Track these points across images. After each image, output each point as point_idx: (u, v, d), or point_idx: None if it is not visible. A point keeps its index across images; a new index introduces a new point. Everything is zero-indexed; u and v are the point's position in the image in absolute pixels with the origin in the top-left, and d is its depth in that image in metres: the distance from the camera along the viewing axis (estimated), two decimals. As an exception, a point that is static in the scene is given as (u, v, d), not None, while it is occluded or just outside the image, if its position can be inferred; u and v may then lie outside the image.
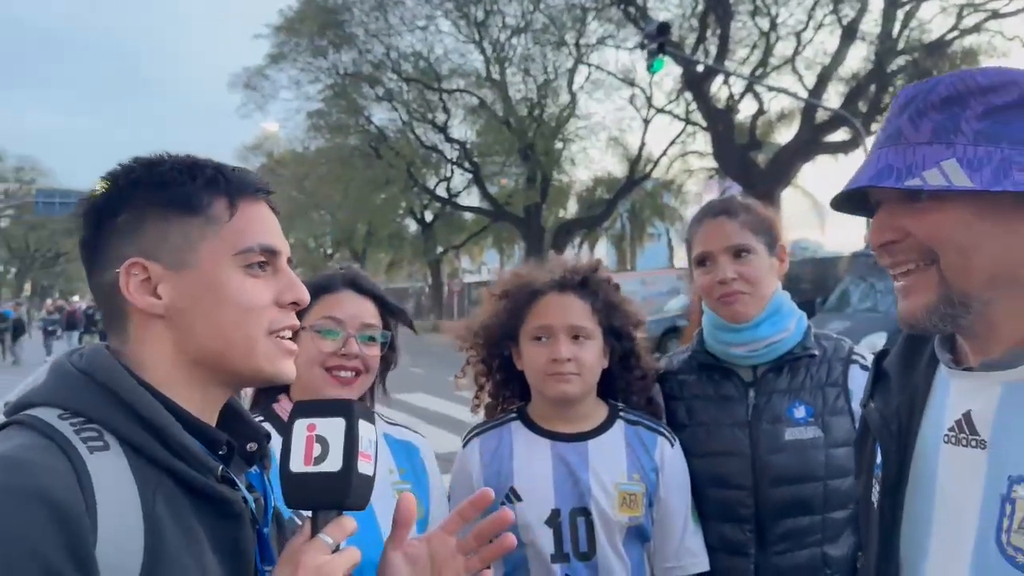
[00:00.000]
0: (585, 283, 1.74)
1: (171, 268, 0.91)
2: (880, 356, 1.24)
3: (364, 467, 0.94)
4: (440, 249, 36.51)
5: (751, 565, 1.69)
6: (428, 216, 34.98)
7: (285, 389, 1.60)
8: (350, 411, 0.94)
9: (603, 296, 1.74)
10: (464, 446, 1.81)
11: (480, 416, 1.86)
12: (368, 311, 1.57)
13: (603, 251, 49.16)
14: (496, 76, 25.42)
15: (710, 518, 1.74)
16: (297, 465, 0.92)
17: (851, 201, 1.09)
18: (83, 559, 0.75)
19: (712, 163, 22.06)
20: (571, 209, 33.55)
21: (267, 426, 1.50)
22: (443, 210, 32.81)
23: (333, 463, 0.92)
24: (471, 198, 30.63)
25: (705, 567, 1.71)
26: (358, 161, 27.43)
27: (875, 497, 1.14)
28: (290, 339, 0.98)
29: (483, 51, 25.36)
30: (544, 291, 1.73)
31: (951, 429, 1.05)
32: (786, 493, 1.68)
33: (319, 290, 1.55)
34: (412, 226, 37.55)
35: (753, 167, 17.49)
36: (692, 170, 28.19)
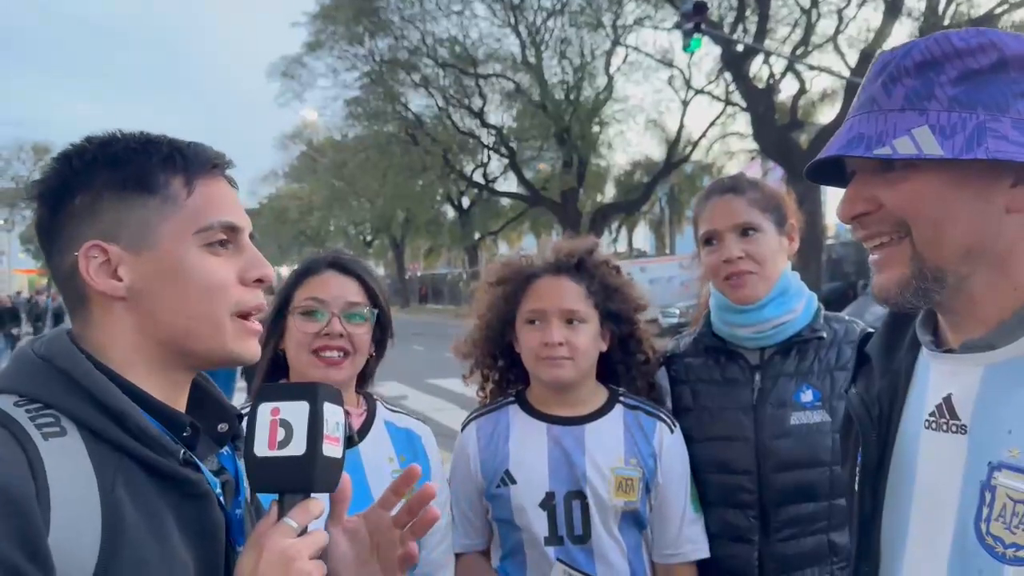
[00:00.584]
0: (580, 265, 1.72)
1: (130, 249, 0.89)
2: (864, 340, 1.20)
3: (330, 450, 0.94)
4: (477, 235, 36.66)
5: (755, 552, 1.66)
6: (465, 202, 35.13)
7: (286, 374, 1.60)
8: (314, 395, 0.94)
9: (599, 278, 1.72)
10: (463, 429, 1.81)
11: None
12: (352, 290, 1.56)
13: (642, 235, 48.87)
14: (532, 60, 25.29)
15: (713, 504, 1.72)
16: (261, 449, 0.92)
17: (830, 172, 1.05)
18: (33, 546, 0.75)
19: (753, 145, 21.70)
20: (608, 193, 33.37)
21: None
22: (480, 196, 32.88)
23: (297, 447, 0.91)
24: (508, 184, 30.66)
25: (705, 554, 1.69)
26: (396, 148, 27.55)
27: (855, 482, 1.10)
28: (256, 320, 0.97)
29: (519, 35, 25.24)
30: (538, 275, 1.72)
31: (932, 414, 1.01)
32: (790, 479, 1.65)
33: (303, 273, 1.56)
34: (450, 212, 37.77)
35: (795, 148, 17.13)
36: (732, 152, 27.82)
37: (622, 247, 47.44)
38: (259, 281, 0.95)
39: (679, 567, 1.70)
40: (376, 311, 1.58)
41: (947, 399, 0.99)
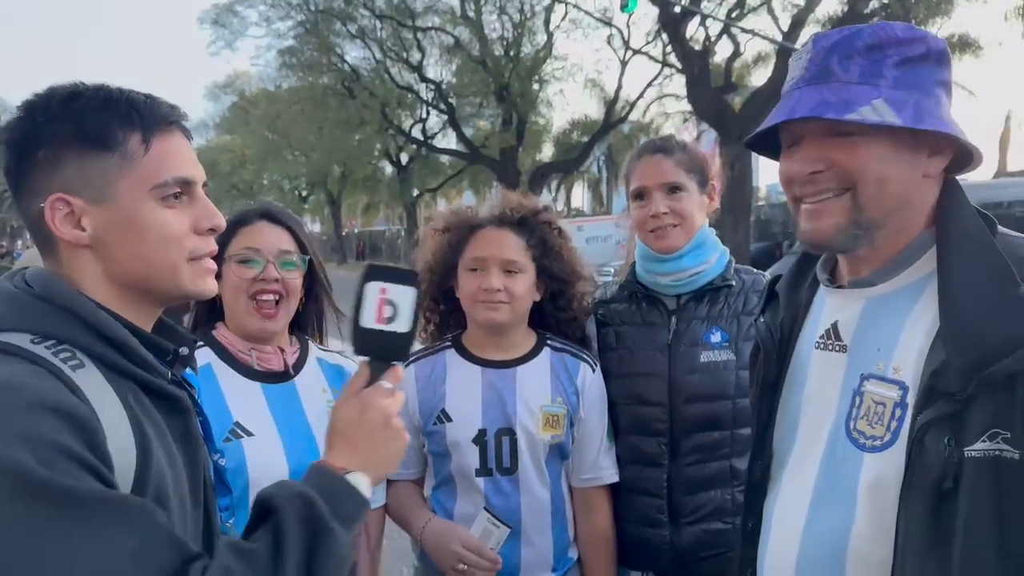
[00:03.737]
0: (523, 222, 1.84)
1: (92, 203, 0.96)
2: (774, 280, 1.39)
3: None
4: (416, 192, 36.19)
5: (664, 475, 1.84)
6: (404, 159, 34.51)
7: (221, 317, 1.70)
8: (418, 282, 1.11)
9: (540, 235, 1.84)
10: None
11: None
12: (284, 239, 1.66)
13: (580, 194, 49.09)
14: (472, 14, 24.86)
15: (627, 433, 1.89)
16: (368, 321, 1.08)
17: (764, 144, 1.21)
18: (103, 455, 0.85)
19: (688, 106, 21.95)
20: (547, 152, 33.24)
21: (208, 350, 1.64)
22: (419, 153, 32.37)
23: (401, 325, 1.08)
24: (447, 140, 30.28)
25: (616, 479, 1.87)
26: (331, 101, 26.84)
27: (755, 398, 1.30)
28: (211, 259, 1.05)
29: (458, -12, 24.81)
30: (482, 225, 1.83)
31: (821, 337, 1.21)
32: (698, 410, 1.82)
33: (237, 224, 1.64)
34: (388, 169, 37.06)
35: (728, 111, 17.44)
36: (669, 113, 28.03)
37: (560, 206, 47.62)
38: (212, 230, 1.03)
39: (594, 490, 1.87)
40: (307, 258, 1.69)
41: (834, 325, 1.20)
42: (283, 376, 1.66)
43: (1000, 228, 1.10)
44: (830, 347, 1.19)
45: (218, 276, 1.63)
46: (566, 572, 1.84)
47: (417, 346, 1.97)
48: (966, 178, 1.15)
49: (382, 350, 1.09)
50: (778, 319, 1.31)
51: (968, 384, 0.96)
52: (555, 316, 1.91)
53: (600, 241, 21.15)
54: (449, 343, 1.90)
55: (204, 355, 1.62)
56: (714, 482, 1.83)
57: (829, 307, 1.22)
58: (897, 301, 1.12)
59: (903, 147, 1.08)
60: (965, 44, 20.07)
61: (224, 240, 1.64)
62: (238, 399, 1.60)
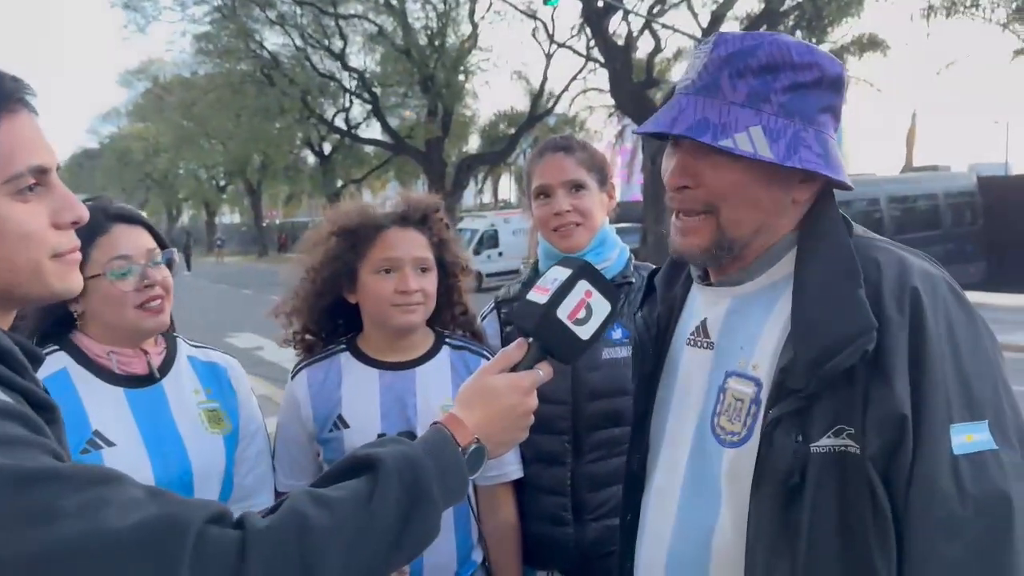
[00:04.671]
0: (425, 220, 1.80)
1: None
2: (652, 274, 1.41)
3: None
4: (340, 183, 35.61)
5: (568, 473, 1.84)
6: (327, 148, 34.02)
7: (72, 321, 1.58)
8: (617, 300, 1.13)
9: (438, 232, 1.81)
10: (293, 377, 1.85)
11: (291, 351, 1.88)
12: (146, 239, 1.58)
13: (506, 186, 49.21)
14: (395, 2, 24.60)
15: (531, 431, 1.88)
16: (562, 313, 1.08)
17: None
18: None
19: (611, 100, 22.21)
20: (473, 144, 33.30)
21: (64, 354, 1.54)
22: (342, 142, 31.91)
23: (586, 333, 1.09)
24: (371, 131, 29.89)
25: (520, 475, 1.85)
26: (250, 88, 26.18)
27: (634, 392, 1.32)
28: (72, 253, 0.94)
29: (381, -25, 24.48)
30: (387, 225, 1.76)
31: (692, 333, 1.23)
32: (600, 406, 1.83)
33: (92, 234, 1.48)
34: (310, 158, 36.48)
35: (649, 105, 17.68)
36: (593, 107, 28.40)
37: (488, 197, 47.67)
38: (74, 223, 0.91)
39: (500, 487, 1.84)
40: (169, 250, 1.62)
41: (703, 322, 1.22)
42: (148, 379, 1.58)
43: (859, 229, 1.13)
44: (699, 344, 1.21)
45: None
46: (471, 574, 1.82)
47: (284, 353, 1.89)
48: (874, 172, 1.17)
49: (555, 344, 1.09)
50: (654, 314, 1.33)
51: (811, 381, 0.99)
52: (450, 311, 1.88)
53: (526, 233, 21.22)
54: (344, 346, 1.83)
55: (59, 360, 1.52)
56: (616, 478, 1.80)
57: (700, 305, 1.24)
58: (759, 300, 1.14)
59: (774, 175, 1.08)
60: (874, 43, 20.87)
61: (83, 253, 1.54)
62: (98, 407, 1.50)
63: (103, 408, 1.51)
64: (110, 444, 1.48)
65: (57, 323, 1.57)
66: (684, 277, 1.32)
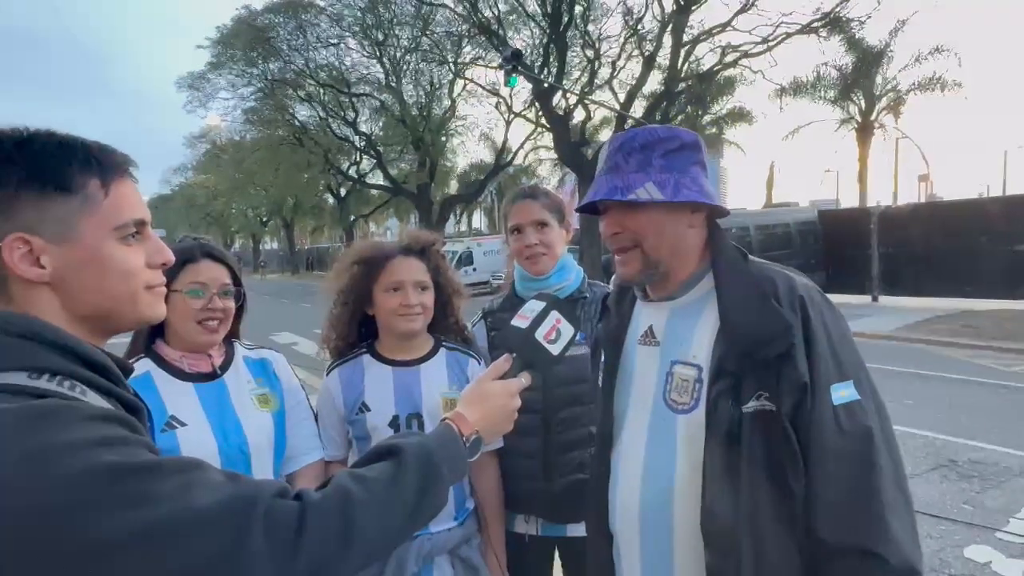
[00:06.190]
0: (424, 251, 1.77)
1: (52, 242, 0.78)
2: (606, 296, 1.43)
3: None
4: (352, 217, 35.35)
5: (540, 442, 1.81)
6: (342, 192, 33.68)
7: (161, 335, 1.55)
8: (578, 326, 1.15)
9: (434, 261, 1.78)
10: (327, 374, 1.80)
11: (326, 355, 1.83)
12: (224, 274, 1.54)
13: (478, 218, 49.13)
14: (394, 84, 24.49)
15: None
16: (540, 336, 1.10)
17: (590, 208, 1.25)
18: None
19: (555, 155, 22.34)
20: (453, 187, 33.18)
21: (148, 360, 1.52)
22: (354, 187, 31.61)
23: (555, 350, 1.11)
24: (376, 178, 29.64)
25: (501, 445, 1.81)
26: (286, 149, 25.83)
27: (600, 381, 1.33)
28: (160, 287, 0.90)
29: (383, 64, 24.32)
30: (393, 255, 1.73)
31: (642, 336, 1.25)
32: (565, 391, 1.80)
33: (184, 260, 1.50)
34: (330, 200, 36.10)
35: (583, 159, 17.82)
36: (542, 160, 28.54)
37: (464, 227, 47.52)
38: (163, 264, 0.89)
39: (487, 454, 1.79)
40: (239, 289, 1.58)
41: (650, 328, 1.24)
42: (212, 376, 1.55)
43: (749, 257, 1.19)
44: (648, 343, 1.24)
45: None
46: (465, 519, 1.77)
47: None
48: (744, 208, 1.21)
49: (534, 358, 1.10)
50: (611, 324, 1.35)
51: (743, 365, 1.05)
52: (444, 323, 1.84)
53: (494, 253, 21.25)
54: (365, 350, 1.79)
55: (144, 364, 1.50)
56: (577, 445, 1.81)
57: (645, 315, 1.27)
58: (690, 310, 1.19)
59: (671, 211, 1.15)
60: (741, 115, 21.30)
61: (172, 272, 1.49)
62: (173, 398, 1.48)
63: (177, 398, 1.49)
64: (183, 424, 1.46)
65: (149, 336, 1.56)
66: (630, 297, 1.34)
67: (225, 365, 1.58)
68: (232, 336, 1.65)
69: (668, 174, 1.13)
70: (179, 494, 0.67)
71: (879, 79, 23.59)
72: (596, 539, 1.34)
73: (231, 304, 1.55)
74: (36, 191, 0.77)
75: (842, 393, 1.03)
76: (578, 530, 1.79)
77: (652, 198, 1.11)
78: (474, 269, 21.72)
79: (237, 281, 1.57)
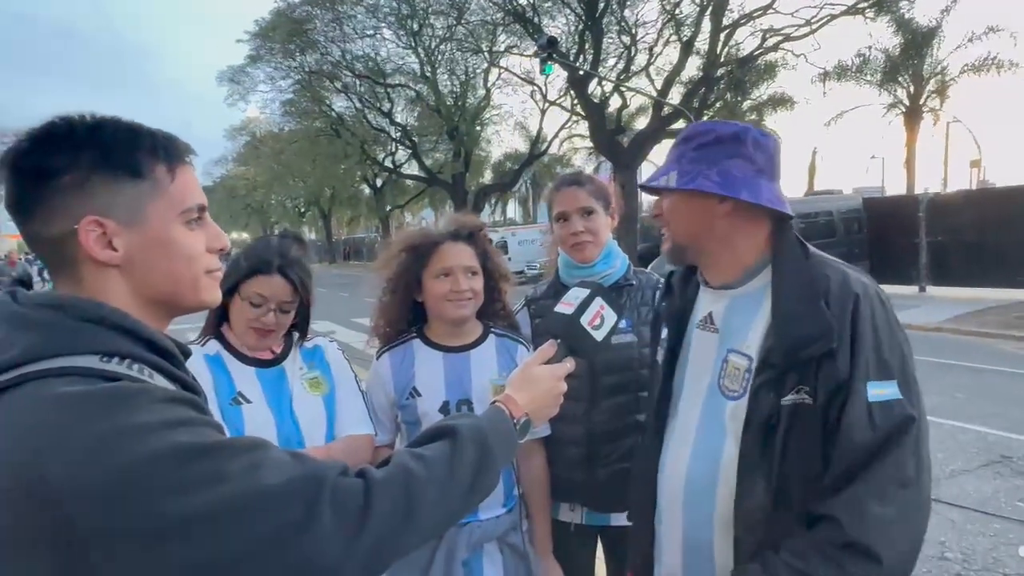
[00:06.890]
0: (471, 236, 1.75)
1: (123, 224, 0.79)
2: (670, 275, 1.45)
3: None
4: (388, 207, 35.70)
5: (584, 430, 1.78)
6: (378, 183, 34.05)
7: (227, 320, 1.63)
8: (621, 312, 1.17)
9: (482, 246, 1.76)
10: (377, 358, 1.80)
11: (374, 340, 1.82)
12: (287, 291, 1.58)
13: (512, 208, 49.10)
14: (429, 75, 24.56)
15: None
16: (584, 322, 1.11)
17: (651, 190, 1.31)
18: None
19: (590, 144, 22.13)
20: (488, 177, 33.21)
21: (216, 342, 1.61)
22: (390, 178, 31.97)
23: (599, 335, 1.13)
24: (411, 168, 29.89)
25: (548, 433, 1.79)
26: (323, 140, 26.31)
27: (660, 357, 1.37)
28: (217, 272, 0.91)
29: (418, 55, 24.41)
30: (442, 241, 1.72)
31: (701, 321, 1.29)
32: (611, 379, 1.78)
33: (257, 269, 1.56)
34: (366, 190, 36.48)
35: (619, 147, 17.62)
36: (577, 149, 28.29)
37: (498, 216, 47.55)
38: (221, 250, 0.90)
39: (533, 442, 1.79)
40: (299, 303, 1.61)
41: (709, 314, 1.27)
42: (272, 363, 1.63)
43: (812, 250, 1.19)
44: (708, 329, 1.27)
45: (229, 301, 1.57)
46: (513, 506, 1.77)
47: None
48: (785, 196, 1.21)
49: (578, 343, 1.11)
50: (675, 305, 1.37)
51: (786, 360, 1.08)
52: (492, 308, 1.81)
53: (529, 243, 21.21)
54: (415, 335, 1.78)
55: (214, 345, 1.60)
56: (621, 434, 1.79)
57: (706, 301, 1.30)
58: (748, 301, 1.21)
59: (688, 199, 1.19)
60: (782, 100, 20.69)
61: (241, 278, 1.56)
62: (239, 376, 1.57)
63: (242, 377, 1.57)
64: (248, 401, 1.54)
65: (217, 318, 1.65)
66: (694, 282, 1.36)
67: (283, 354, 1.66)
68: (295, 329, 1.69)
69: (696, 165, 1.17)
70: (249, 473, 0.68)
71: (929, 61, 22.64)
72: (639, 522, 1.37)
73: (286, 320, 1.61)
74: (108, 175, 0.78)
75: (879, 391, 1.05)
76: (621, 519, 1.77)
77: (667, 186, 1.18)
78: (509, 259, 21.64)
79: (304, 297, 1.62)
